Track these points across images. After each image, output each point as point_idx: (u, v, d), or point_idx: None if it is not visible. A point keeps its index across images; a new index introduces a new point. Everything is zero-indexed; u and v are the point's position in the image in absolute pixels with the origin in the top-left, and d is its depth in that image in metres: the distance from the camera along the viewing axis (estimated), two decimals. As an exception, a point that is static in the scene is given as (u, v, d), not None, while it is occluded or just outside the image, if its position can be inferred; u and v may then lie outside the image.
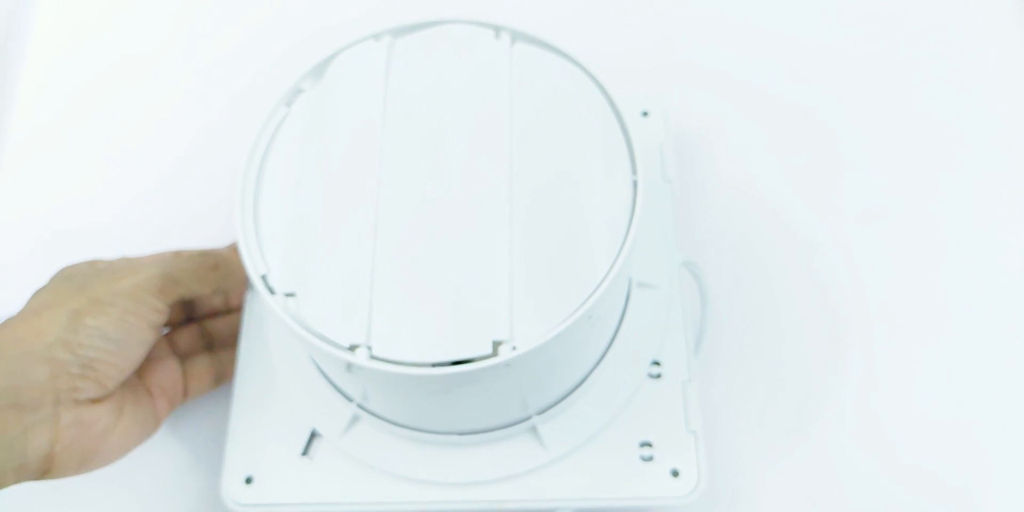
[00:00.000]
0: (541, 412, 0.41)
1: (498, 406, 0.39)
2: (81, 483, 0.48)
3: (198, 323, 0.46)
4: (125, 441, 0.40)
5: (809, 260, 0.52)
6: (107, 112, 0.59)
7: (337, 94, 0.37)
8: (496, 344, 0.33)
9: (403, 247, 0.34)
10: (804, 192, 0.54)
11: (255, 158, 0.37)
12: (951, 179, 0.55)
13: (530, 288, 0.33)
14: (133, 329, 0.39)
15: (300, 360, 0.43)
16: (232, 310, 0.47)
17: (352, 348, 0.33)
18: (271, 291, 0.34)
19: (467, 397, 0.37)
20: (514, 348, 0.32)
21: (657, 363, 0.44)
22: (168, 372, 0.43)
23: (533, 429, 0.41)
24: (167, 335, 0.45)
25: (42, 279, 0.42)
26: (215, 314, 0.47)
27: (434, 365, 0.33)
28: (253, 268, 0.34)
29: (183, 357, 0.45)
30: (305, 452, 0.42)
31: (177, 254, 0.42)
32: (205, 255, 0.43)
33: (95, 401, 0.38)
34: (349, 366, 0.33)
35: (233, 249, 0.44)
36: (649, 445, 0.42)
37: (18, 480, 0.37)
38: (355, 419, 0.42)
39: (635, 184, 0.35)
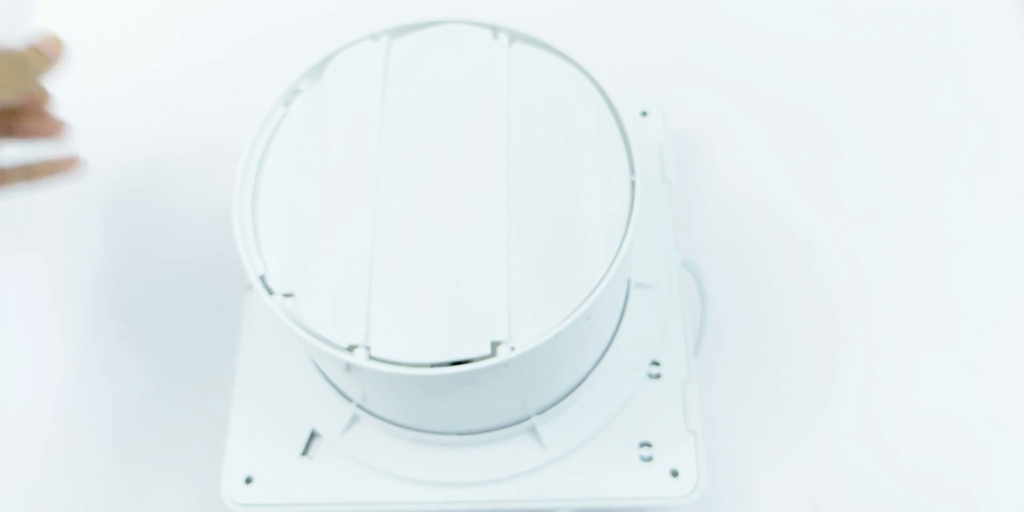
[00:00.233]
0: (540, 412, 0.41)
1: (497, 406, 0.39)
2: (81, 483, 0.48)
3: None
4: None
5: (808, 260, 0.52)
6: (107, 112, 0.59)
7: (335, 94, 0.37)
8: (495, 344, 0.33)
9: (401, 248, 0.34)
10: (803, 192, 0.54)
11: (253, 158, 0.37)
12: (951, 179, 0.55)
13: (528, 288, 0.33)
14: None
15: (300, 360, 0.43)
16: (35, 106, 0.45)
17: (351, 348, 0.33)
18: (269, 292, 0.34)
19: (466, 397, 0.37)
20: (512, 348, 0.32)
21: (656, 363, 0.44)
22: None
23: (532, 429, 0.41)
24: None
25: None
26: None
27: (433, 365, 0.33)
28: (252, 268, 0.34)
29: None
30: (305, 452, 0.42)
31: None
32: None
33: None
34: (348, 366, 0.34)
35: (31, 48, 0.42)
36: (649, 445, 0.42)
37: None
38: (355, 419, 0.42)
39: (633, 184, 0.35)
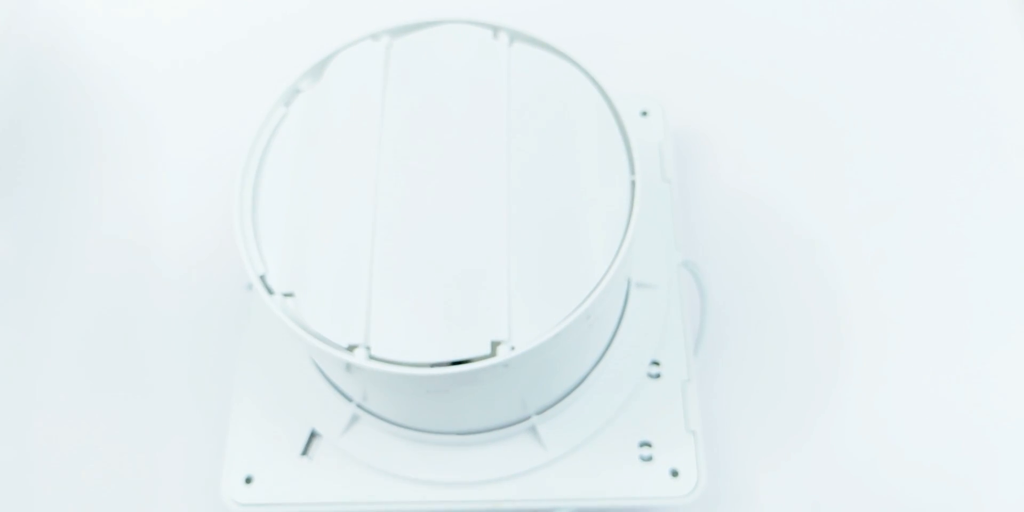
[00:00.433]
0: (540, 412, 0.41)
1: (497, 406, 0.39)
2: (80, 483, 0.48)
3: None
4: None
5: (809, 259, 0.52)
6: (106, 112, 0.59)
7: (335, 94, 0.37)
8: (494, 344, 0.33)
9: (401, 247, 0.34)
10: (804, 191, 0.54)
11: (253, 158, 0.37)
12: (954, 178, 0.55)
13: (528, 288, 0.33)
14: None
15: (300, 360, 0.43)
16: None
17: (351, 348, 0.33)
18: (269, 291, 0.34)
19: (466, 397, 0.37)
20: (512, 348, 0.33)
21: (656, 363, 0.44)
22: None
23: (532, 429, 0.41)
24: None
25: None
26: None
27: (433, 365, 0.33)
28: (251, 268, 0.34)
29: None
30: (305, 452, 0.42)
31: None
32: None
33: None
34: (348, 366, 0.34)
35: None
36: (648, 445, 0.42)
37: None
38: (355, 419, 0.42)
39: (633, 184, 0.35)
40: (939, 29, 0.59)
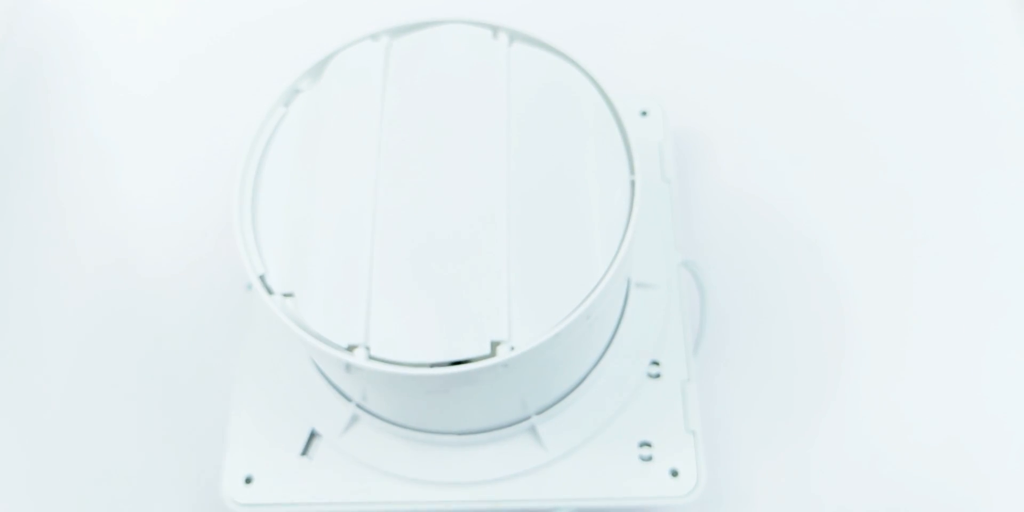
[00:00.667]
0: (540, 412, 0.41)
1: (497, 406, 0.39)
2: (80, 483, 0.48)
3: None
4: None
5: (809, 259, 0.52)
6: (105, 112, 0.59)
7: (335, 94, 0.37)
8: (494, 344, 0.33)
9: (401, 247, 0.34)
10: (804, 191, 0.54)
11: (253, 158, 0.37)
12: (954, 176, 0.55)
13: (528, 288, 0.33)
14: None
15: (299, 360, 0.43)
16: None
17: (350, 348, 0.33)
18: (269, 291, 0.34)
19: (466, 397, 0.37)
20: (512, 348, 0.32)
21: (656, 363, 0.44)
22: None
23: (532, 429, 0.41)
24: None
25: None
26: None
27: (432, 365, 0.33)
28: (251, 268, 0.34)
29: None
30: (304, 452, 0.42)
31: None
32: None
33: None
34: (348, 366, 0.34)
35: None
36: (648, 445, 0.42)
37: None
38: (354, 419, 0.42)
39: (633, 184, 0.35)
40: (942, 28, 0.59)
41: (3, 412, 0.50)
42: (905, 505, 0.46)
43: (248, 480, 0.42)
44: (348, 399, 0.41)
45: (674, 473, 0.41)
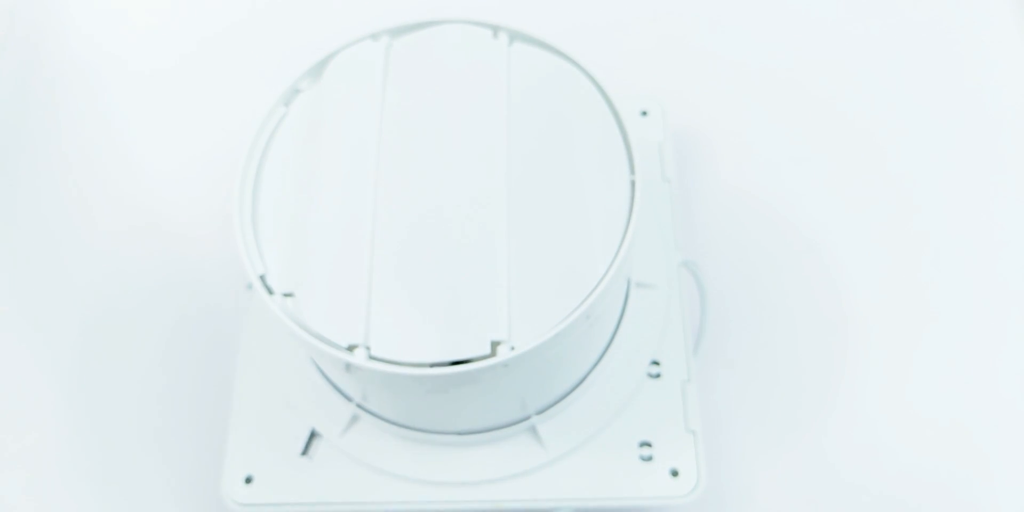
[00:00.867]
0: (540, 412, 0.41)
1: (497, 406, 0.39)
2: (80, 483, 0.48)
3: None
4: None
5: (809, 259, 0.52)
6: (105, 112, 0.59)
7: (335, 94, 0.37)
8: (494, 344, 0.33)
9: (401, 247, 0.34)
10: (805, 191, 0.54)
11: (253, 158, 0.37)
12: (953, 179, 0.55)
13: (528, 288, 0.33)
14: None
15: (300, 360, 0.43)
16: None
17: (351, 348, 0.33)
18: (269, 291, 0.34)
19: (466, 397, 0.37)
20: (512, 348, 0.32)
21: (656, 363, 0.44)
22: None
23: (532, 429, 0.41)
24: None
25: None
26: None
27: (432, 365, 0.33)
28: (251, 268, 0.34)
29: None
30: (305, 452, 0.42)
31: None
32: None
33: None
34: (348, 366, 0.34)
35: None
36: (648, 445, 0.42)
37: None
38: (355, 419, 0.42)
39: (633, 184, 0.35)
40: (942, 28, 0.59)
41: (2, 412, 0.50)
42: (905, 504, 0.46)
43: (248, 480, 0.42)
44: (348, 399, 0.41)
45: (674, 473, 0.41)
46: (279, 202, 0.36)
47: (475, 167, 0.35)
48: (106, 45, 0.61)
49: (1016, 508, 0.46)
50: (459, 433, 0.41)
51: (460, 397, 0.37)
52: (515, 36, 0.38)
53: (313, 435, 0.43)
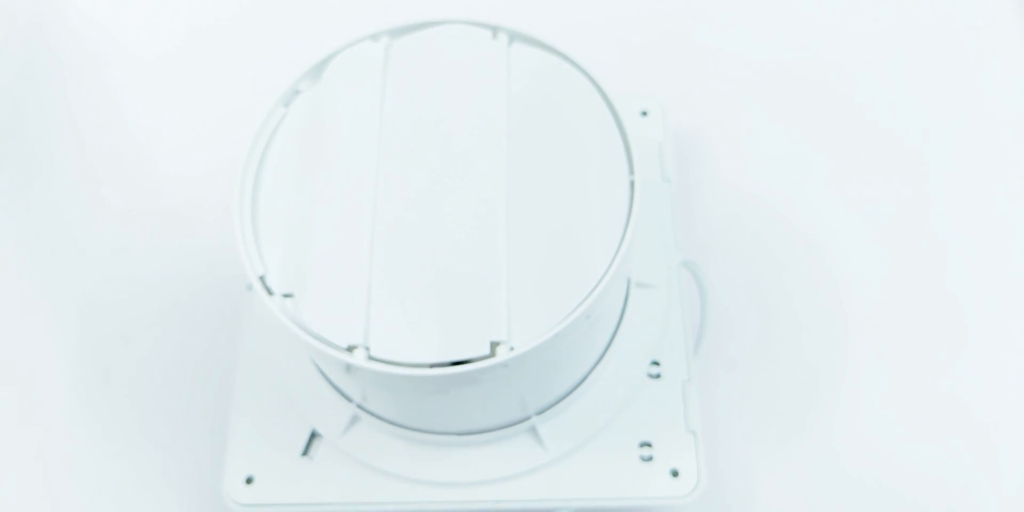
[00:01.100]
0: (540, 412, 0.41)
1: (497, 406, 0.39)
2: (80, 483, 0.48)
3: None
4: None
5: (809, 259, 0.52)
6: (105, 112, 0.59)
7: (335, 95, 0.37)
8: (494, 345, 0.33)
9: (400, 248, 0.34)
10: (805, 191, 0.54)
11: (253, 159, 0.37)
12: (954, 178, 0.55)
13: (527, 288, 0.33)
14: None
15: (300, 360, 0.43)
16: None
17: (350, 349, 0.33)
18: (269, 292, 0.34)
19: (466, 397, 0.37)
20: (512, 349, 0.32)
21: (656, 363, 0.44)
22: None
23: (532, 429, 0.41)
24: None
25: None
26: None
27: (432, 366, 0.33)
28: (251, 269, 0.34)
29: None
30: (305, 452, 0.42)
31: None
32: None
33: None
34: (348, 367, 0.34)
35: None
36: (649, 445, 0.42)
37: None
38: (355, 419, 0.42)
39: (632, 184, 0.35)
40: (946, 27, 0.59)
41: (1, 412, 0.50)
42: (905, 504, 0.46)
43: (249, 480, 0.42)
44: (348, 399, 0.41)
45: (674, 473, 0.41)
46: (279, 202, 0.36)
47: (474, 167, 0.35)
48: (113, 29, 0.61)
49: (1015, 508, 0.46)
50: (459, 433, 0.41)
51: (460, 397, 0.37)
52: (514, 36, 0.38)
53: (313, 435, 0.43)
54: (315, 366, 0.42)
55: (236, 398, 0.44)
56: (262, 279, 0.35)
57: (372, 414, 0.41)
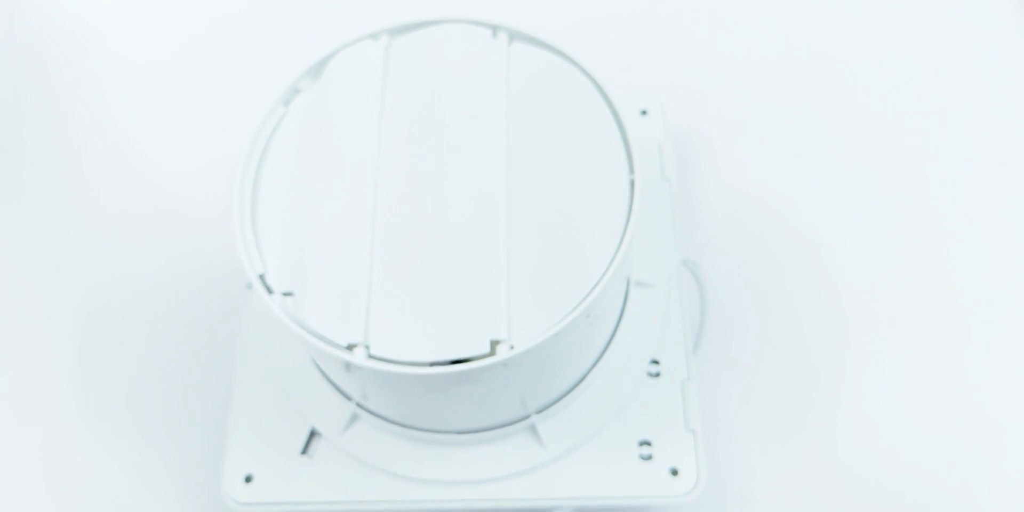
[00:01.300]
0: (540, 411, 0.41)
1: (497, 405, 0.39)
2: (80, 483, 0.48)
3: None
4: None
5: (809, 258, 0.52)
6: (105, 112, 0.59)
7: (334, 94, 0.37)
8: (494, 343, 0.33)
9: (400, 246, 0.34)
10: (805, 190, 0.54)
11: (253, 158, 0.37)
12: (954, 177, 0.55)
13: (527, 287, 0.33)
14: None
15: (299, 359, 0.43)
16: None
17: (350, 347, 0.33)
18: (269, 290, 0.34)
19: (465, 396, 0.37)
20: (512, 347, 0.33)
21: (656, 362, 0.44)
22: None
23: (532, 428, 0.41)
24: None
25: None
26: None
27: (432, 364, 0.33)
28: (251, 267, 0.34)
29: None
30: (304, 451, 0.42)
31: None
32: None
33: None
34: (347, 365, 0.34)
35: None
36: (648, 444, 0.42)
37: None
38: (354, 418, 0.42)
39: (632, 183, 0.35)
40: (943, 28, 0.59)
41: (2, 412, 0.50)
42: (905, 504, 0.46)
43: (248, 479, 0.42)
44: (348, 398, 0.41)
45: (674, 472, 0.41)
46: (279, 202, 0.36)
47: (474, 166, 0.35)
48: (109, 33, 0.61)
49: (1015, 509, 0.46)
50: (459, 432, 0.41)
51: (460, 396, 0.37)
52: (514, 36, 0.38)
53: (313, 434, 0.43)
54: (315, 365, 0.42)
55: (235, 397, 0.44)
56: (262, 278, 0.35)
57: (371, 413, 0.41)
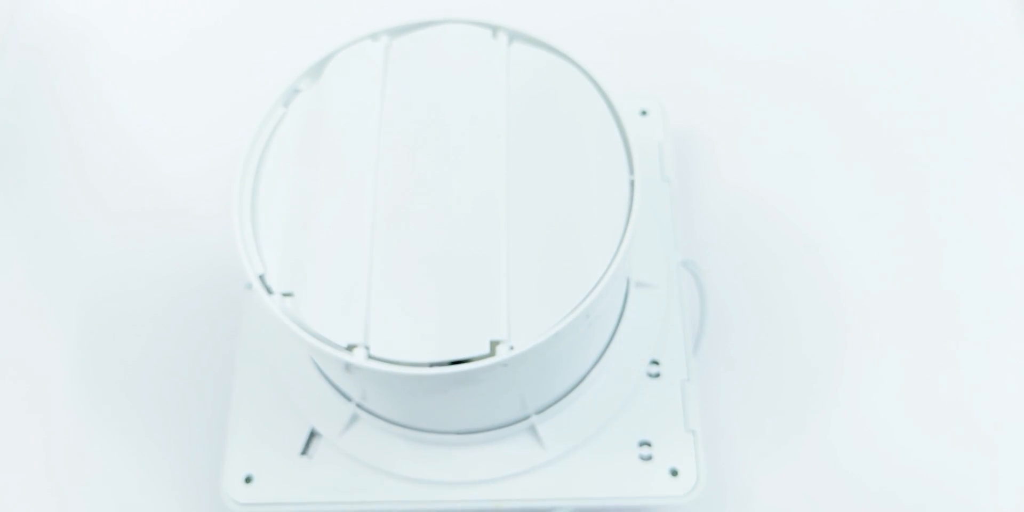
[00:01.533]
0: (540, 411, 0.41)
1: (496, 405, 0.39)
2: (80, 482, 0.48)
3: None
4: None
5: (809, 259, 0.52)
6: (105, 112, 0.59)
7: (334, 94, 0.37)
8: (494, 344, 0.33)
9: (400, 247, 0.34)
10: (805, 191, 0.54)
11: (252, 158, 0.37)
12: (953, 178, 0.55)
13: (527, 287, 0.33)
14: None
15: (299, 360, 0.43)
16: None
17: (350, 348, 0.33)
18: (269, 291, 0.34)
19: (465, 397, 0.37)
20: (511, 348, 0.32)
21: (656, 362, 0.44)
22: None
23: (532, 428, 0.41)
24: None
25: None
26: None
27: (432, 365, 0.33)
28: (251, 268, 0.34)
29: None
30: (304, 451, 0.42)
31: None
32: None
33: None
34: (347, 366, 0.34)
35: None
36: (648, 444, 0.42)
37: None
38: (354, 418, 0.42)
39: (632, 183, 0.35)
40: (943, 29, 0.59)
41: (2, 412, 0.50)
42: (904, 504, 0.46)
43: (248, 479, 0.42)
44: (348, 398, 0.41)
45: (674, 472, 0.41)
46: (279, 202, 0.36)
47: (474, 167, 0.35)
48: (108, 33, 0.61)
49: (1017, 510, 0.46)
50: (459, 432, 0.41)
51: (459, 397, 0.37)
52: (514, 36, 0.38)
53: (313, 435, 0.43)
54: (314, 365, 0.42)
55: (235, 397, 0.44)
56: (261, 278, 0.35)
57: (371, 413, 0.41)
